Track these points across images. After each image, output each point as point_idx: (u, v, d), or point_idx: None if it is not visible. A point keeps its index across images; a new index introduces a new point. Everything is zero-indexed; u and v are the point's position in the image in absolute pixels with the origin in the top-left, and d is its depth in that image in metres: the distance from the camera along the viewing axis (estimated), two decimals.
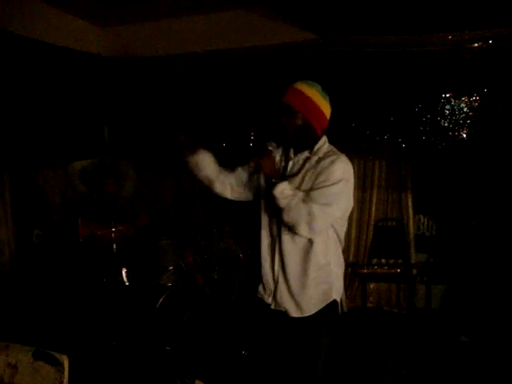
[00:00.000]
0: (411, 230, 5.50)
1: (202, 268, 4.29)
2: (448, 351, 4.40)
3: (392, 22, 4.81)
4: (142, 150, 5.90)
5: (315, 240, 2.44)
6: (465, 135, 5.14)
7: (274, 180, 2.35)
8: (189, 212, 5.22)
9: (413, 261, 5.47)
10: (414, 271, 5.42)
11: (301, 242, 2.44)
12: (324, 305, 2.53)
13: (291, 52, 5.22)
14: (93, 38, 5.59)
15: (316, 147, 2.49)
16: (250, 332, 2.91)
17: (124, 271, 4.31)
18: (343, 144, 5.31)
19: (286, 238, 2.46)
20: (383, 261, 5.57)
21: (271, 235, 2.54)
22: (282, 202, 2.33)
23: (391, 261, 5.54)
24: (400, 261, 5.48)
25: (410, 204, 5.49)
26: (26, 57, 4.64)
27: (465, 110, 5.12)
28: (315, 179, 2.38)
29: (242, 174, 2.74)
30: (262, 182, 2.57)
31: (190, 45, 5.45)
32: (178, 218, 5.26)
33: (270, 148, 2.50)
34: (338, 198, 2.38)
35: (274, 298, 2.55)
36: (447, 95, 5.14)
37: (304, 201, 2.33)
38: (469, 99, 5.11)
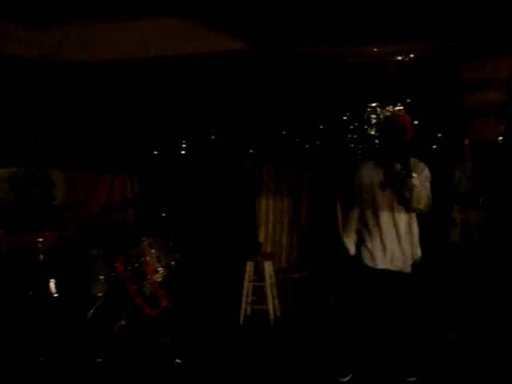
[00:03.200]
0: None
1: (133, 277, 4.22)
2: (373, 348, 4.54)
3: (321, 34, 4.96)
4: (72, 158, 5.75)
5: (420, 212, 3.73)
6: None
7: (413, 173, 3.47)
8: (120, 220, 5.14)
9: None
10: None
11: (404, 216, 3.70)
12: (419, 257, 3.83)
13: (223, 60, 5.27)
14: (18, 41, 5.38)
15: None
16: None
17: (52, 282, 4.18)
18: (274, 152, 5.57)
19: (397, 215, 3.69)
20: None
21: (387, 218, 3.69)
22: (418, 188, 3.50)
23: None
24: None
25: (339, 209, 5.61)
26: None
27: None
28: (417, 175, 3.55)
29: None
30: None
31: (121, 51, 5.35)
32: (109, 226, 5.16)
33: None
34: (430, 187, 3.67)
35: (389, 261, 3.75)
36: (373, 104, 5.36)
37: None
38: (393, 108, 5.36)
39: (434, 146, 5.26)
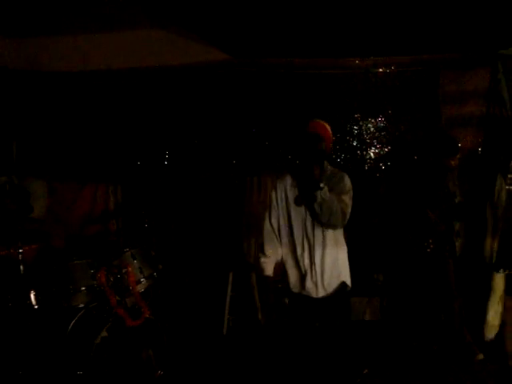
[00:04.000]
0: None
1: (115, 288, 4.18)
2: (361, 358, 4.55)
3: (304, 46, 5.02)
4: (54, 167, 5.70)
5: (338, 229, 3.39)
6: (372, 154, 5.43)
7: (322, 184, 3.15)
8: (103, 231, 5.10)
9: None
10: None
11: (321, 234, 3.33)
12: (349, 281, 3.48)
13: (205, 71, 5.29)
14: (0, 50, 5.34)
15: (324, 166, 3.36)
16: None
17: (33, 294, 4.12)
18: (257, 162, 5.58)
19: (313, 234, 3.33)
20: None
21: (301, 236, 3.36)
22: (328, 202, 3.17)
23: None
24: None
25: None
26: None
27: (371, 129, 5.41)
28: (332, 188, 3.25)
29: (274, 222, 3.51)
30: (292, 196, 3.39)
31: (102, 62, 5.34)
32: (92, 236, 5.12)
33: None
34: (350, 199, 3.36)
35: (322, 285, 3.37)
36: (355, 116, 5.42)
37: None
38: (375, 120, 5.42)
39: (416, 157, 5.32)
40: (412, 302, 4.98)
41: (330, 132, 3.42)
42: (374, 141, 5.38)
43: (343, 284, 3.40)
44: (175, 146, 5.70)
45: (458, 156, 4.68)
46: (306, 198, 3.27)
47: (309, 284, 3.37)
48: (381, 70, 5.33)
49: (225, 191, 5.68)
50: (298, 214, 3.34)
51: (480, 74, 5.25)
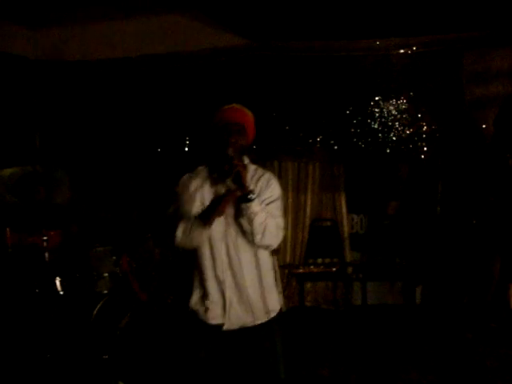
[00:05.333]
0: (345, 229, 5.68)
1: (137, 274, 4.24)
2: (387, 346, 4.55)
3: (323, 28, 4.96)
4: (76, 156, 5.77)
5: (270, 249, 2.61)
6: (394, 137, 5.36)
7: (251, 195, 2.40)
8: (124, 217, 5.16)
9: (348, 259, 5.64)
10: (350, 269, 5.59)
11: (248, 252, 2.53)
12: (278, 309, 2.64)
13: (224, 56, 5.27)
14: (20, 40, 5.41)
15: (245, 165, 2.55)
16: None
17: (58, 280, 4.20)
18: (278, 147, 5.57)
19: (235, 252, 2.52)
20: (319, 260, 5.71)
21: (219, 256, 2.53)
22: (260, 217, 2.40)
23: (327, 260, 5.69)
24: (335, 260, 5.63)
25: (343, 204, 5.66)
26: None
27: (393, 112, 5.33)
28: (258, 196, 2.47)
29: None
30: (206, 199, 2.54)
31: (124, 49, 5.38)
32: (113, 222, 5.18)
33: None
34: (282, 210, 2.59)
35: (229, 317, 2.55)
36: (376, 98, 5.34)
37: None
38: (397, 102, 5.33)
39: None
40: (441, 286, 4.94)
41: (253, 120, 2.63)
42: (396, 123, 5.31)
43: (272, 312, 2.61)
44: (196, 132, 5.71)
45: None
46: (223, 208, 2.48)
47: (232, 313, 2.55)
48: (402, 50, 5.23)
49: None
50: (219, 225, 2.50)
51: (504, 52, 5.11)
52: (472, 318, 4.57)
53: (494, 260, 4.46)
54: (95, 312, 4.13)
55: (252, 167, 2.60)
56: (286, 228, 5.45)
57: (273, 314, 2.59)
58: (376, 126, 5.34)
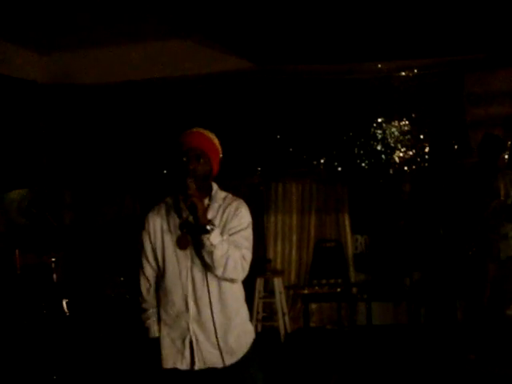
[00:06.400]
0: (349, 249, 5.70)
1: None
2: (385, 364, 4.54)
3: (326, 52, 5.06)
4: (81, 177, 5.83)
5: (236, 283, 2.41)
6: (396, 158, 5.42)
7: (210, 226, 2.22)
8: (130, 238, 5.18)
9: (352, 280, 5.66)
10: (354, 290, 5.60)
11: (214, 288, 2.34)
12: (249, 345, 2.44)
13: (228, 80, 5.36)
14: (29, 65, 5.51)
15: (213, 193, 2.43)
16: None
17: (65, 301, 4.23)
18: (282, 169, 5.63)
19: (201, 288, 2.32)
20: (324, 281, 5.72)
21: (184, 293, 2.34)
22: (221, 249, 2.24)
23: (331, 280, 5.70)
24: (340, 280, 5.65)
25: (347, 224, 5.70)
26: None
27: (395, 133, 5.41)
28: (224, 225, 2.35)
29: (152, 263, 2.45)
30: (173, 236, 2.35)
31: (130, 73, 5.48)
32: (120, 244, 5.21)
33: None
34: (251, 240, 2.42)
35: (197, 357, 2.33)
36: (379, 120, 5.42)
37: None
38: (399, 123, 5.41)
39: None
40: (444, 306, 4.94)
41: (217, 145, 2.48)
42: (399, 144, 5.38)
43: (240, 353, 2.41)
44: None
45: (505, 154, 4.57)
46: (185, 240, 2.31)
47: (201, 357, 2.34)
48: (403, 73, 5.33)
49: (250, 197, 5.72)
50: (181, 261, 2.35)
51: (505, 74, 5.20)
52: (473, 337, 4.57)
53: (487, 262, 4.48)
54: (102, 333, 4.16)
55: (221, 195, 2.44)
56: (291, 247, 5.67)
57: (240, 355, 2.38)
58: (379, 148, 5.41)
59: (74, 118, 5.78)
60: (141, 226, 2.46)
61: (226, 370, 2.35)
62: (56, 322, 4.17)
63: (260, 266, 5.58)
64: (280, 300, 5.40)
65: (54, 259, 4.21)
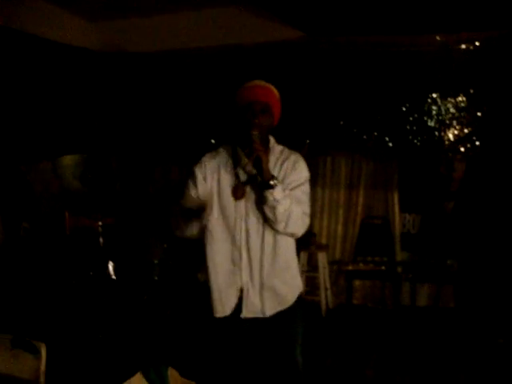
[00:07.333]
0: (397, 228, 5.57)
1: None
2: (427, 347, 4.46)
3: (380, 23, 4.86)
4: (131, 145, 5.94)
5: (296, 237, 2.43)
6: (451, 135, 5.21)
7: (274, 181, 2.20)
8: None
9: (398, 259, 5.54)
10: (399, 269, 5.50)
11: (268, 239, 2.35)
12: (295, 297, 2.47)
13: (280, 50, 5.26)
14: (84, 33, 5.58)
15: (270, 146, 2.42)
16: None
17: (111, 265, 4.36)
18: (331, 142, 5.53)
19: (255, 239, 2.34)
20: (369, 258, 5.64)
21: (237, 241, 2.36)
22: (284, 204, 2.22)
23: (376, 258, 5.62)
24: (385, 258, 5.55)
25: (395, 202, 5.56)
26: (14, 50, 4.65)
27: (451, 110, 5.18)
28: (283, 179, 2.32)
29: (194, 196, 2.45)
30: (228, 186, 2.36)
31: (181, 41, 5.46)
32: (167, 211, 5.29)
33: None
34: (309, 195, 2.41)
35: (246, 305, 2.37)
36: (434, 95, 5.20)
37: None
38: (455, 99, 5.18)
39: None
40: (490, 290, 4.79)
41: (279, 97, 2.43)
42: (454, 121, 5.15)
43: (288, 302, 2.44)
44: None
45: None
46: (243, 191, 2.32)
47: (248, 306, 2.38)
48: (463, 46, 5.06)
49: None
50: (236, 210, 2.35)
51: None
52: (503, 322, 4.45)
53: None
54: (145, 297, 4.27)
55: (278, 149, 2.43)
56: (337, 223, 5.60)
57: (285, 307, 2.42)
58: (433, 124, 5.20)
59: (125, 86, 5.85)
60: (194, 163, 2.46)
61: (270, 319, 2.40)
62: (102, 284, 4.31)
63: (305, 239, 5.55)
64: (323, 275, 5.37)
65: (101, 223, 4.33)
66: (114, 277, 4.38)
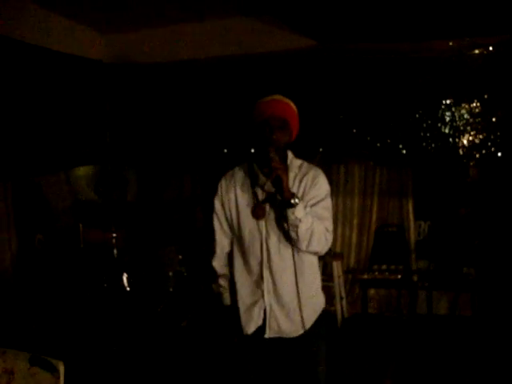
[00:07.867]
0: (412, 235, 5.52)
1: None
2: (445, 356, 4.40)
3: (392, 30, 4.84)
4: (143, 156, 5.94)
5: (319, 255, 2.39)
6: (465, 141, 5.16)
7: (295, 200, 2.13)
8: (190, 217, 5.26)
9: (413, 267, 5.48)
10: (415, 277, 5.43)
11: (290, 258, 2.28)
12: (317, 315, 2.44)
13: (291, 59, 5.25)
14: (94, 44, 5.62)
15: (288, 162, 2.36)
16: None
17: (125, 276, 4.35)
18: (344, 150, 5.49)
19: (276, 258, 2.29)
20: (384, 267, 5.57)
21: (259, 261, 2.32)
22: (306, 222, 2.15)
23: (392, 267, 5.55)
24: (401, 267, 5.49)
25: (410, 210, 5.51)
26: (27, 63, 4.67)
27: (465, 116, 5.13)
28: (302, 196, 2.27)
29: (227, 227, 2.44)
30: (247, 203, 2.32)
31: (192, 51, 5.48)
32: (180, 223, 5.30)
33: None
34: (331, 210, 2.36)
35: (269, 325, 2.34)
36: (447, 101, 5.16)
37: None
38: (469, 105, 5.13)
39: None
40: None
41: (296, 112, 2.38)
42: (468, 127, 5.10)
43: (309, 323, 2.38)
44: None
45: None
46: (263, 211, 2.26)
47: (277, 324, 2.35)
48: (477, 51, 5.02)
49: None
50: (257, 230, 2.29)
51: None
52: None
53: None
54: (159, 309, 4.26)
55: (296, 163, 2.36)
56: (352, 231, 5.55)
57: (309, 325, 2.36)
58: (446, 130, 5.15)
59: (137, 97, 5.86)
60: (213, 192, 2.43)
61: (295, 339, 2.36)
62: (116, 296, 4.31)
63: None
64: (338, 284, 5.32)
65: (114, 235, 4.33)
66: (128, 288, 4.37)
